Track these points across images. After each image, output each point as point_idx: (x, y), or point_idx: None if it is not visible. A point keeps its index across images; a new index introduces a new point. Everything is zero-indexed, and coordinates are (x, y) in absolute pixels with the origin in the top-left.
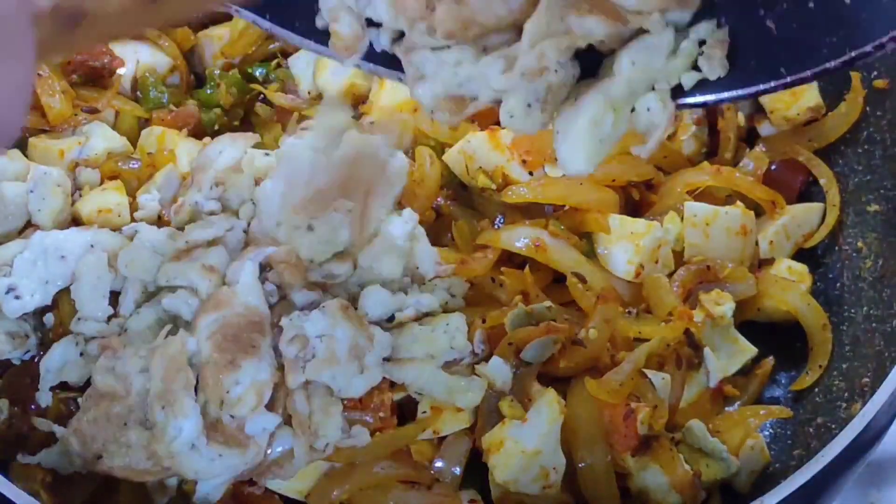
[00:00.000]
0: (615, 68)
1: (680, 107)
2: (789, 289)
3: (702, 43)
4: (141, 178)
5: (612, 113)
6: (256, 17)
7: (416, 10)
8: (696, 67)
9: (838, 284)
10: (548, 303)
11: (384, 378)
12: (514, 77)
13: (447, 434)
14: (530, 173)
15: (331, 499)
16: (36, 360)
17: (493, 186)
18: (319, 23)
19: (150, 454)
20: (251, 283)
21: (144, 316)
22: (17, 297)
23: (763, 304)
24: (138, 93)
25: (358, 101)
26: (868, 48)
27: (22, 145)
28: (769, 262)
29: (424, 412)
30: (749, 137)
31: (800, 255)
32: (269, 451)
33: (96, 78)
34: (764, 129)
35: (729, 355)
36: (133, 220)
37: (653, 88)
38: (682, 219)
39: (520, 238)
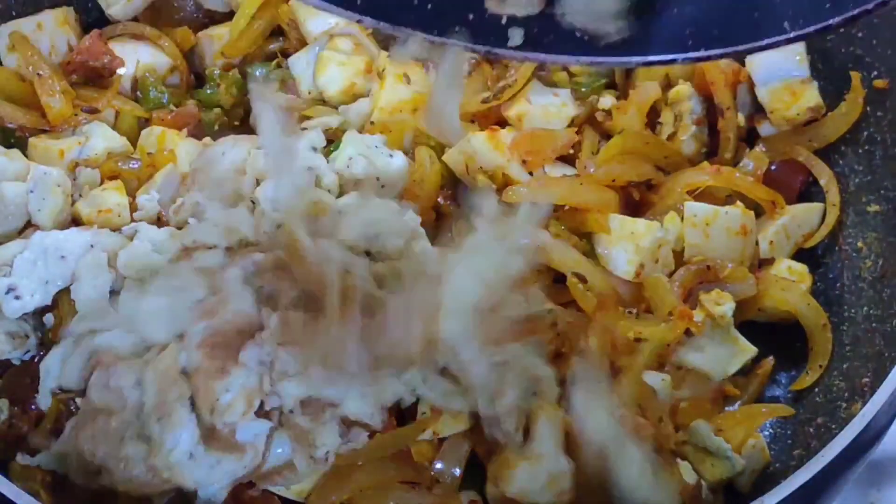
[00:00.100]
0: None
1: (717, 56)
2: (789, 289)
3: None
4: (141, 178)
5: None
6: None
7: None
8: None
9: (838, 284)
10: (550, 305)
11: None
12: None
13: (447, 435)
14: (530, 173)
15: (331, 500)
16: (36, 360)
17: (494, 186)
18: None
19: (149, 467)
20: (238, 289)
21: None
22: (17, 298)
23: (763, 304)
24: (138, 93)
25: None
26: (870, 5)
27: (22, 145)
28: (769, 262)
29: (424, 413)
30: (749, 137)
31: (800, 255)
32: (266, 455)
33: (96, 78)
34: (764, 129)
35: (729, 355)
36: (133, 220)
37: None
38: (682, 219)
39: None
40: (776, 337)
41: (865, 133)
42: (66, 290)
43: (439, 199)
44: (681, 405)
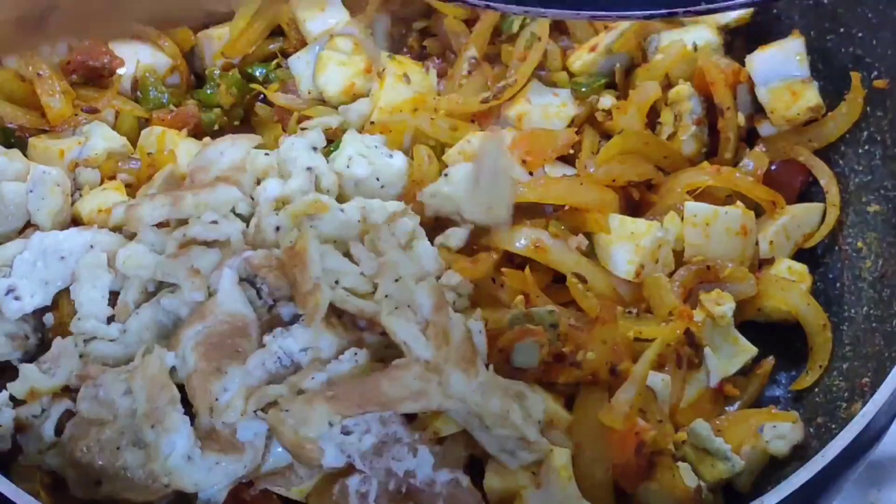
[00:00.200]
0: None
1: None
2: (789, 289)
3: None
4: (141, 178)
5: None
6: None
7: None
8: None
9: (838, 284)
10: (551, 306)
11: None
12: None
13: (447, 434)
14: (530, 173)
15: (331, 499)
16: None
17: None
18: None
19: (147, 473)
20: (230, 289)
21: (144, 316)
22: (16, 299)
23: (763, 304)
24: (138, 93)
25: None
26: None
27: (22, 145)
28: (769, 262)
29: (424, 412)
30: (749, 137)
31: (800, 255)
32: (266, 455)
33: (96, 78)
34: (764, 129)
35: (729, 355)
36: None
37: None
38: (682, 219)
39: (520, 239)
40: (776, 337)
41: (865, 133)
42: (66, 291)
43: None
44: (680, 405)
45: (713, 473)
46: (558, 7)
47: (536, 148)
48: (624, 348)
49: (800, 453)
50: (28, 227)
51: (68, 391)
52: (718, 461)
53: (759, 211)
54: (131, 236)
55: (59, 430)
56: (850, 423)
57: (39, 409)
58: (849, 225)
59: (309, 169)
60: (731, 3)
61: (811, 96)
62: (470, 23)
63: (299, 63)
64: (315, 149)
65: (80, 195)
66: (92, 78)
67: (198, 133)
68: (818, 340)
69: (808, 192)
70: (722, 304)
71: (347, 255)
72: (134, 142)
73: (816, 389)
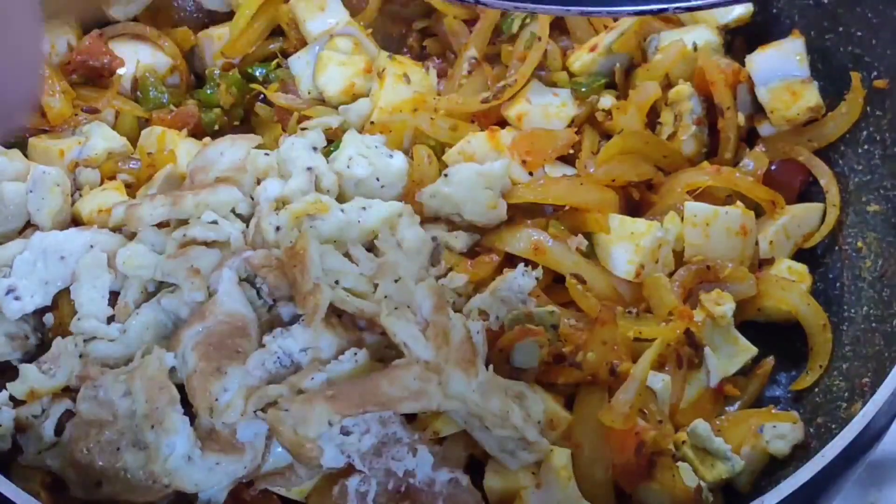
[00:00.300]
0: None
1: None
2: (789, 289)
3: None
4: (141, 178)
5: None
6: None
7: None
8: None
9: (838, 284)
10: (552, 307)
11: None
12: None
13: (447, 434)
14: (530, 173)
15: (332, 499)
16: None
17: None
18: None
19: (147, 474)
20: (230, 289)
21: (144, 316)
22: (16, 299)
23: (763, 304)
24: (138, 93)
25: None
26: None
27: (22, 145)
28: (769, 262)
29: (424, 412)
30: (749, 137)
31: (800, 255)
32: (267, 455)
33: (96, 78)
34: (764, 129)
35: (729, 355)
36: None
37: None
38: (682, 219)
39: (520, 240)
40: (776, 337)
41: (865, 133)
42: (66, 291)
43: None
44: (681, 405)
45: (713, 473)
46: (549, 3)
47: (536, 148)
48: (624, 348)
49: (800, 453)
50: (28, 227)
51: (68, 391)
52: (718, 461)
53: (759, 211)
54: (131, 236)
55: (59, 430)
56: (850, 423)
57: (39, 410)
58: (849, 225)
59: (309, 169)
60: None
61: (811, 96)
62: (470, 23)
63: (299, 63)
64: (315, 149)
65: (80, 195)
66: (92, 78)
67: (198, 133)
68: (818, 340)
69: (808, 192)
70: (722, 304)
71: (347, 255)
72: (134, 142)
73: (816, 389)
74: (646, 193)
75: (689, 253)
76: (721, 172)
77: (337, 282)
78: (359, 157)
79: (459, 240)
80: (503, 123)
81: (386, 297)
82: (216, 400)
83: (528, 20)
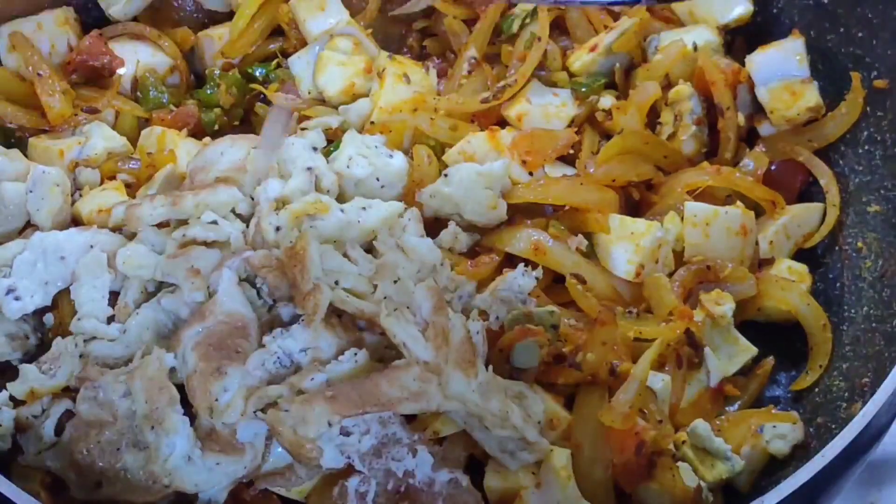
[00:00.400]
0: None
1: None
2: (789, 289)
3: None
4: (141, 178)
5: None
6: None
7: None
8: None
9: (838, 284)
10: (552, 307)
11: None
12: None
13: (447, 435)
14: (530, 173)
15: (331, 499)
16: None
17: None
18: None
19: (147, 474)
20: (230, 290)
21: (144, 316)
22: (16, 299)
23: (763, 304)
24: (138, 93)
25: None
26: None
27: (22, 145)
28: (769, 262)
29: (424, 413)
30: (749, 137)
31: (800, 255)
32: (267, 455)
33: (96, 78)
34: (764, 129)
35: (729, 355)
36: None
37: None
38: (682, 219)
39: (520, 240)
40: (776, 337)
41: (865, 133)
42: (66, 291)
43: None
44: (681, 405)
45: (713, 473)
46: None
47: (536, 148)
48: (624, 348)
49: (800, 453)
50: (28, 227)
51: (68, 391)
52: (718, 461)
53: (759, 211)
54: (131, 236)
55: (59, 430)
56: (850, 423)
57: (39, 410)
58: (849, 225)
59: (309, 169)
60: None
61: (811, 96)
62: (470, 23)
63: (299, 63)
64: (315, 149)
65: (80, 195)
66: (92, 78)
67: (198, 133)
68: (818, 340)
69: (808, 192)
70: (722, 304)
71: (346, 255)
72: (134, 142)
73: (816, 389)
74: (646, 193)
75: (689, 253)
76: (721, 172)
77: (337, 282)
78: (359, 157)
79: (460, 240)
80: (503, 123)
81: (385, 297)
82: (216, 400)
83: (528, 20)
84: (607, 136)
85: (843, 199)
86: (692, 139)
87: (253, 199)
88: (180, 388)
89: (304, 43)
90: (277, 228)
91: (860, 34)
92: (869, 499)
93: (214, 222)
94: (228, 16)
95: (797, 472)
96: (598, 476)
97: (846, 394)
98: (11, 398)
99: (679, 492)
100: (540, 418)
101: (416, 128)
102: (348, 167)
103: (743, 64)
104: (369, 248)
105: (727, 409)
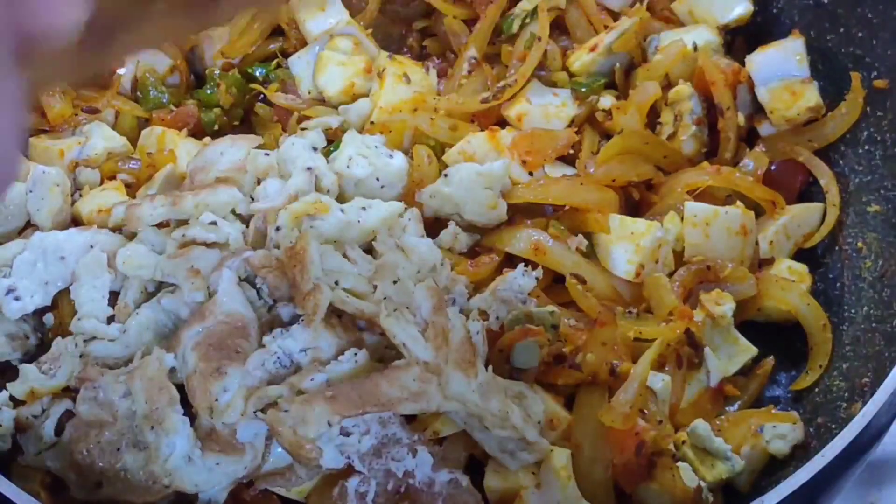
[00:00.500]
0: None
1: None
2: (789, 289)
3: None
4: (141, 178)
5: None
6: None
7: None
8: None
9: (838, 284)
10: (552, 307)
11: None
12: None
13: (447, 435)
14: (530, 173)
15: (331, 499)
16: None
17: None
18: None
19: (147, 475)
20: (230, 290)
21: (144, 316)
22: (16, 299)
23: (763, 304)
24: (138, 93)
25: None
26: None
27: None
28: (769, 262)
29: (424, 413)
30: (749, 137)
31: (800, 255)
32: (267, 456)
33: (96, 78)
34: (764, 129)
35: (729, 355)
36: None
37: None
38: (682, 219)
39: (520, 240)
40: (776, 337)
41: (865, 133)
42: (66, 291)
43: None
44: (681, 405)
45: (713, 473)
46: None
47: (536, 148)
48: (624, 348)
49: (800, 453)
50: (28, 227)
51: (68, 391)
52: (718, 461)
53: (759, 211)
54: (131, 236)
55: (59, 430)
56: (850, 423)
57: (39, 410)
58: (849, 225)
59: (309, 169)
60: None
61: (811, 96)
62: (470, 23)
63: (299, 63)
64: (315, 149)
65: (80, 195)
66: (92, 78)
67: (198, 133)
68: (818, 340)
69: (808, 192)
70: (722, 304)
71: (345, 256)
72: (134, 142)
73: (816, 389)
74: (646, 193)
75: (689, 253)
76: (721, 172)
77: (337, 282)
78: (359, 157)
79: (460, 240)
80: (503, 123)
81: (385, 298)
82: (216, 400)
83: (528, 20)
84: (607, 136)
85: (843, 199)
86: (692, 139)
87: (253, 199)
88: (180, 388)
89: (304, 43)
90: (277, 228)
91: (860, 34)
92: (869, 499)
93: (214, 223)
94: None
95: (797, 472)
96: (598, 476)
97: (846, 394)
98: (11, 398)
99: (679, 492)
100: (540, 418)
101: (416, 128)
102: (348, 167)
103: (743, 64)
104: (369, 249)
105: (727, 409)
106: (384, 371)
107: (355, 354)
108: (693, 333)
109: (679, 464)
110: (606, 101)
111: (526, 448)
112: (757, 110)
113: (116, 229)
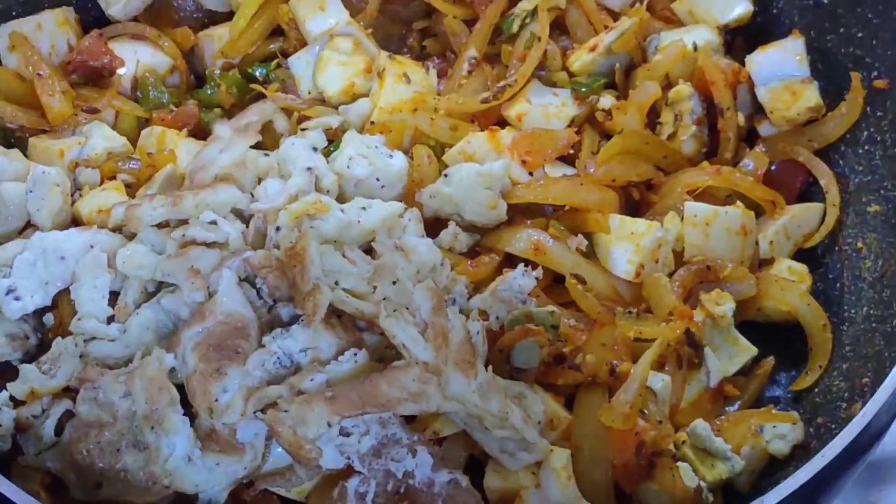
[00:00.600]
0: None
1: None
2: (789, 289)
3: None
4: (141, 178)
5: None
6: None
7: None
8: None
9: (838, 284)
10: (552, 307)
11: None
12: None
13: (446, 435)
14: (530, 173)
15: (331, 499)
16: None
17: None
18: None
19: (147, 475)
20: (230, 290)
21: (144, 316)
22: (17, 299)
23: (763, 304)
24: (138, 93)
25: None
26: None
27: (22, 145)
28: (769, 262)
29: (424, 413)
30: (749, 137)
31: (800, 255)
32: (267, 456)
33: (96, 78)
34: (764, 129)
35: (729, 355)
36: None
37: None
38: (682, 219)
39: (520, 240)
40: (776, 337)
41: (865, 133)
42: (66, 291)
43: None
44: (681, 405)
45: (713, 473)
46: None
47: (536, 148)
48: (624, 349)
49: (800, 453)
50: (28, 227)
51: (68, 391)
52: (718, 461)
53: (759, 211)
54: (131, 236)
55: (59, 430)
56: (850, 423)
57: (39, 410)
58: (849, 225)
59: (309, 169)
60: None
61: (811, 96)
62: (470, 23)
63: (299, 63)
64: (315, 149)
65: (80, 195)
66: (92, 78)
67: (198, 133)
68: (818, 340)
69: (808, 192)
70: (722, 304)
71: (346, 256)
72: (134, 142)
73: (816, 389)
74: (646, 193)
75: (689, 253)
76: (721, 172)
77: (337, 282)
78: (359, 157)
79: (460, 240)
80: (503, 123)
81: (385, 298)
82: (216, 400)
83: (528, 20)
84: (607, 136)
85: (843, 199)
86: (692, 139)
87: (253, 196)
88: (180, 388)
89: (304, 43)
90: (277, 228)
91: (860, 34)
92: (869, 499)
93: (214, 222)
94: (228, 16)
95: (797, 472)
96: (598, 476)
97: (846, 394)
98: (11, 398)
99: (679, 492)
100: (540, 419)
101: (416, 128)
102: (348, 167)
103: (743, 64)
104: (369, 249)
105: (727, 409)
106: (384, 371)
107: (355, 355)
108: (693, 333)
109: (679, 464)
110: (606, 101)
111: (526, 448)
112: (757, 110)
113: (116, 229)
